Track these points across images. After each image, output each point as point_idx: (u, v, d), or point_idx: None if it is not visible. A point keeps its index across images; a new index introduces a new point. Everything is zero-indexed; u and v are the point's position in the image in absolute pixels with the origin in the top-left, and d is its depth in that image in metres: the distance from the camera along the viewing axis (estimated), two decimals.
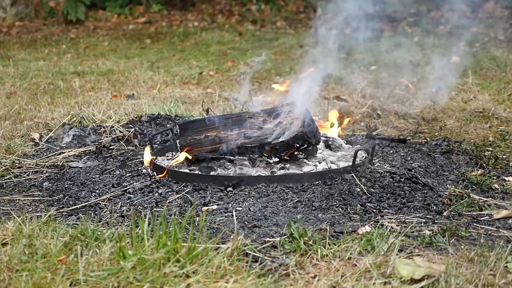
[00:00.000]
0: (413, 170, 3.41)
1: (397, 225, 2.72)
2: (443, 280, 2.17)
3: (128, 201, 3.12)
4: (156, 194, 3.18)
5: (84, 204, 3.12)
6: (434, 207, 2.95)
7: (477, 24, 9.13)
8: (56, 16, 11.94)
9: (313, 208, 2.96)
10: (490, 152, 3.77)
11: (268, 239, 2.57)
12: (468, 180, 3.34)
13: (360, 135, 4.33)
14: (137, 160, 3.77)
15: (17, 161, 3.81)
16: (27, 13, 12.02)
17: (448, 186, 3.25)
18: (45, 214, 2.84)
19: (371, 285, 2.18)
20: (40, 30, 11.25)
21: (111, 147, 4.07)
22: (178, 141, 3.53)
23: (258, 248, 2.45)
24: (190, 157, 3.44)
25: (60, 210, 3.05)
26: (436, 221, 2.78)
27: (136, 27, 11.43)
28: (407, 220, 2.79)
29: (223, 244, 2.44)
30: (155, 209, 3.00)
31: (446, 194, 3.11)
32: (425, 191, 3.13)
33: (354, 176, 3.23)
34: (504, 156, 3.74)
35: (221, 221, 2.82)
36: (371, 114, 4.91)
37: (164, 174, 3.35)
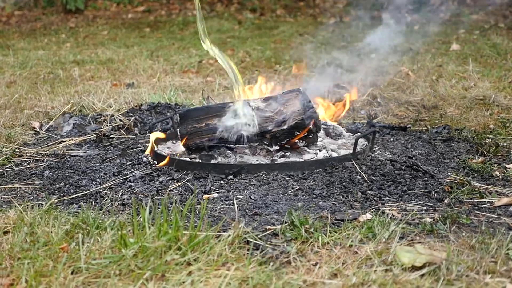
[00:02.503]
0: (413, 158, 3.41)
1: (398, 213, 2.72)
2: (444, 267, 2.17)
3: (129, 189, 3.12)
4: (157, 182, 3.18)
5: (85, 192, 3.12)
6: (435, 195, 2.94)
7: (477, 12, 9.10)
8: (55, 5, 11.91)
9: (314, 196, 2.96)
10: (490, 140, 3.77)
11: (269, 227, 2.57)
12: (469, 167, 3.34)
13: (361, 123, 4.32)
14: (137, 148, 3.76)
15: (18, 150, 3.81)
16: (26, 2, 11.99)
17: (449, 173, 3.25)
18: (46, 203, 2.85)
19: (372, 272, 2.18)
20: (40, 20, 11.22)
21: (112, 136, 4.06)
22: (178, 129, 3.52)
23: (259, 236, 2.45)
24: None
25: (61, 199, 3.05)
26: (437, 208, 2.78)
27: (135, 16, 11.40)
28: (408, 208, 2.79)
29: (224, 232, 2.44)
30: (156, 197, 3.00)
31: (447, 182, 3.11)
32: (426, 178, 3.13)
33: (355, 164, 3.23)
34: (505, 144, 3.74)
35: (222, 209, 2.82)
36: (371, 102, 4.91)
37: (166, 161, 3.35)
